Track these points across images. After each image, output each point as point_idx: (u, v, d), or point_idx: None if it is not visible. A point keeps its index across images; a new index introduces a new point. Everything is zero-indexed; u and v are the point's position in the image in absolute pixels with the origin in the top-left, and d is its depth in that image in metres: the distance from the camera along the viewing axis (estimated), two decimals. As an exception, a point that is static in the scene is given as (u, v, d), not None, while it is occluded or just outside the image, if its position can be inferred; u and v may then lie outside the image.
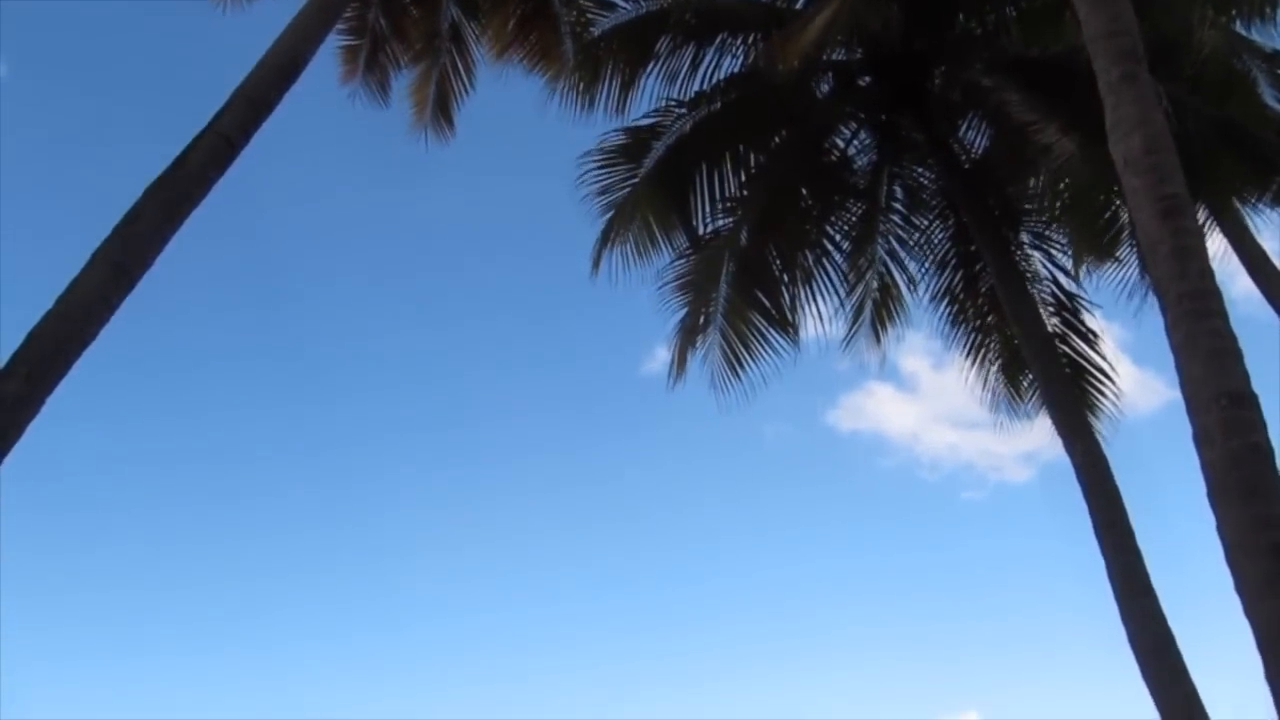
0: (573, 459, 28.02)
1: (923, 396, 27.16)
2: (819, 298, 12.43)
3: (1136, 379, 22.75)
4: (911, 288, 12.79)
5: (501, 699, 25.29)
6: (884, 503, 28.47)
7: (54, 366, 6.33)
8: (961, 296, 12.57)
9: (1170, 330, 5.60)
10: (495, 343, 27.40)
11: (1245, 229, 11.69)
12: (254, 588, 25.61)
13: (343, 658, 25.61)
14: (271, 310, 25.93)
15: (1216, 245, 11.53)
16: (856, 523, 28.31)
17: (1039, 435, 12.54)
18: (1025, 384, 12.58)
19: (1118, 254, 11.90)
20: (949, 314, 12.72)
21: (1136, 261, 11.77)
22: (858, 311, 12.85)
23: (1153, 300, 11.33)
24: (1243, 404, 5.36)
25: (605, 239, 11.95)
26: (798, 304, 12.29)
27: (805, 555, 28.71)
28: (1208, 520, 5.42)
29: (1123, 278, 11.94)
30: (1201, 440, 5.35)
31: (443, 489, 28.03)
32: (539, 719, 26.15)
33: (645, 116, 12.07)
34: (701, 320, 12.06)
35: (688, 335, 12.19)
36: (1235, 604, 5.30)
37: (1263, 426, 5.37)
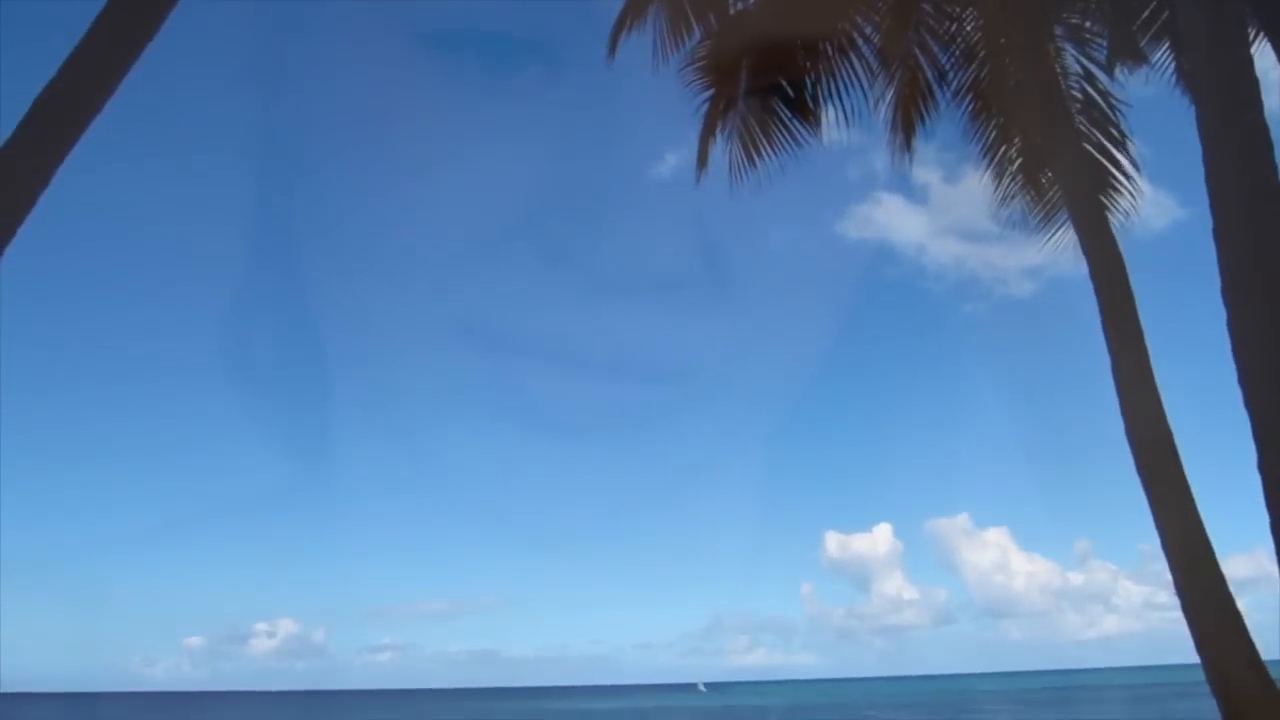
0: (575, 265, 28.25)
1: (932, 208, 27.02)
2: (842, 92, 12.02)
3: (1149, 196, 22.35)
4: (942, 84, 12.31)
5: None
6: (888, 310, 28.88)
7: (61, 136, 6.29)
8: (987, 92, 12.14)
9: (1202, 121, 5.47)
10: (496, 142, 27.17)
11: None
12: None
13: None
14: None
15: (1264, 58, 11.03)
16: (860, 329, 28.80)
17: (1045, 250, 12.39)
18: (1042, 187, 12.31)
19: (1153, 58, 11.47)
20: (970, 111, 12.32)
21: (1171, 66, 11.37)
22: (894, 109, 12.38)
23: (1173, 115, 11.04)
24: (1269, 199, 5.27)
25: (623, 21, 11.48)
26: (820, 95, 11.92)
27: (808, 358, 29.31)
28: (1211, 328, 5.42)
29: (1150, 90, 11.54)
30: (1221, 234, 5.31)
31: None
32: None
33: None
34: (722, 107, 11.72)
35: (709, 126, 11.89)
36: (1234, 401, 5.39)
37: (1286, 225, 5.30)
